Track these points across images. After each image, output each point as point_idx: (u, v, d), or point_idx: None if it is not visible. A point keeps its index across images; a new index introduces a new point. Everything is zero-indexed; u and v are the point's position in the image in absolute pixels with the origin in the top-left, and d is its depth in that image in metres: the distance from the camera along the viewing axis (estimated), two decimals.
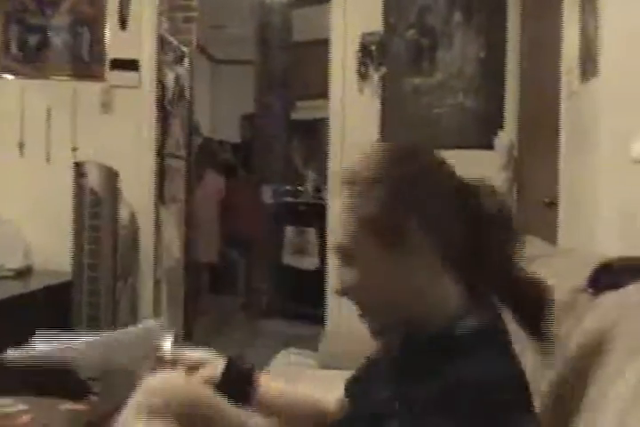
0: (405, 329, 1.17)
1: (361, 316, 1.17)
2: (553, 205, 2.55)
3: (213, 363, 1.38)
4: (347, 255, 1.13)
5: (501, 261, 1.12)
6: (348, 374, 1.60)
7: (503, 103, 3.52)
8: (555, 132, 2.56)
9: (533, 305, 1.12)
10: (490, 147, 3.41)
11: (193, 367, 1.38)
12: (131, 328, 1.47)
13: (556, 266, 1.99)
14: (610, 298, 1.30)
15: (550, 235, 2.53)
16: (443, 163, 1.15)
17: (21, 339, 3.01)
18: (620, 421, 0.94)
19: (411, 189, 1.10)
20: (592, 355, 1.16)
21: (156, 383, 1.35)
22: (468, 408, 1.00)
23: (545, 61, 2.83)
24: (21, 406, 2.15)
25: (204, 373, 1.37)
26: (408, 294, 1.11)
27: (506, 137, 3.34)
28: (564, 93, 2.52)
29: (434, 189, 1.11)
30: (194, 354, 1.41)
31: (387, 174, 1.11)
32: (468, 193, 1.12)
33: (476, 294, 1.13)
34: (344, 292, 1.15)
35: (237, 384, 1.35)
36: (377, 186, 1.10)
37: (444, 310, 1.11)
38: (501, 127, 3.47)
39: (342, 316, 3.73)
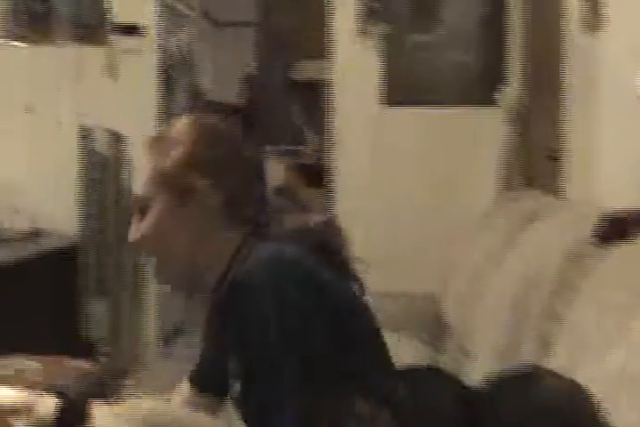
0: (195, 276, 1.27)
1: (156, 271, 1.29)
2: (557, 158, 2.57)
3: (41, 403, 1.18)
4: (142, 208, 1.24)
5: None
6: None
7: (506, 58, 3.49)
8: (560, 85, 2.55)
9: None
10: (494, 102, 3.40)
11: (16, 411, 1.17)
12: None
13: (561, 219, 2.02)
14: (621, 250, 1.32)
15: (555, 189, 2.55)
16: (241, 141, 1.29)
17: (31, 298, 3.07)
18: None
19: (208, 153, 1.24)
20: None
21: None
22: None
23: (549, 14, 2.81)
24: (34, 364, 2.20)
25: (32, 416, 1.16)
26: (192, 242, 1.23)
27: (510, 92, 3.32)
28: (568, 46, 2.51)
29: (230, 157, 1.25)
30: (13, 395, 1.20)
31: (188, 138, 1.24)
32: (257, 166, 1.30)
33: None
34: (138, 243, 1.25)
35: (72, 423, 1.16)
36: (178, 146, 1.23)
37: (226, 253, 1.23)
38: (505, 82, 3.46)
39: None
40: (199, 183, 1.21)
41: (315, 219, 1.27)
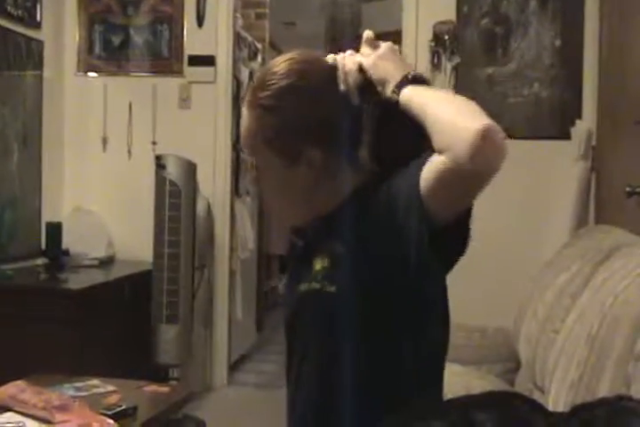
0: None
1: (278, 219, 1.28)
2: (635, 194, 2.52)
3: None
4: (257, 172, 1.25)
5: None
6: None
7: (581, 92, 3.47)
8: (636, 119, 2.52)
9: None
10: (567, 137, 3.36)
11: None
12: None
13: (637, 255, 1.98)
14: None
15: (633, 225, 2.50)
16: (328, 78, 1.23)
17: (105, 323, 3.14)
18: None
19: (300, 116, 1.19)
20: None
21: None
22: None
23: (626, 48, 2.79)
24: (110, 387, 2.25)
25: None
26: (308, 191, 1.21)
27: (584, 126, 3.28)
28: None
29: (322, 111, 1.20)
30: None
31: (277, 103, 1.20)
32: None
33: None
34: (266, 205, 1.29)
35: None
36: (272, 114, 1.20)
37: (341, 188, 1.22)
38: (579, 116, 3.42)
39: None
40: (302, 143, 1.19)
41: None
